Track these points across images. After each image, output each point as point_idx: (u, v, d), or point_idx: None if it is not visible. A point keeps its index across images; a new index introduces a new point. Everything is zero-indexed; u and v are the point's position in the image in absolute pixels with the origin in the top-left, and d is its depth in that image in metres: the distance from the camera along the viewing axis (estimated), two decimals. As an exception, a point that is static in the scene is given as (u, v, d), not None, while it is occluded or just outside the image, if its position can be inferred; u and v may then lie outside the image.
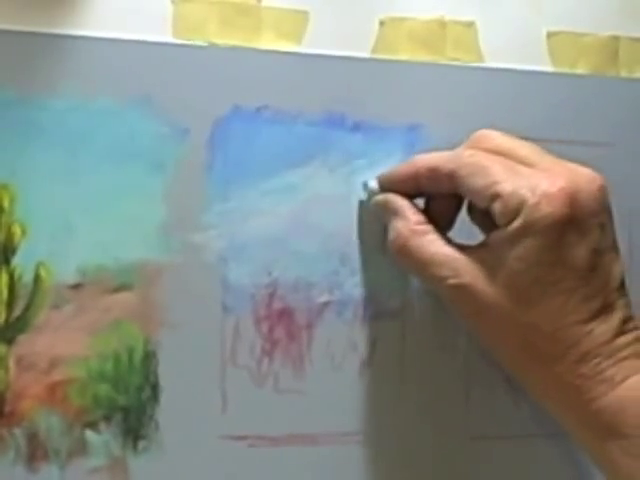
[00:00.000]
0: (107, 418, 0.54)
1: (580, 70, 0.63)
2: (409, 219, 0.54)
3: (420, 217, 0.54)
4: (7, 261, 0.52)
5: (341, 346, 0.58)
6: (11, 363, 0.52)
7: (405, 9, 0.59)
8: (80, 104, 0.53)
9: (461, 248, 0.53)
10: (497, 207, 0.51)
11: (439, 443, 0.59)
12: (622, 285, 0.53)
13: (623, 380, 0.51)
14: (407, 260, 0.54)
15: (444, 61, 0.60)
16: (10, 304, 0.52)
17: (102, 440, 0.53)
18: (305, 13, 0.57)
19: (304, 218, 0.57)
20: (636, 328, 0.52)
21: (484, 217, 0.54)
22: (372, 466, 0.58)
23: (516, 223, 0.51)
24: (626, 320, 0.52)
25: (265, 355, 0.56)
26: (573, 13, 0.63)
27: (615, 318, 0.52)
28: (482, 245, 0.53)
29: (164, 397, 0.54)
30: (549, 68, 0.62)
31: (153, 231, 0.54)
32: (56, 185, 0.53)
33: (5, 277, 0.52)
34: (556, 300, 0.51)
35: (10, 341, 0.52)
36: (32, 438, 0.52)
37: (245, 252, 0.56)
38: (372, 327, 0.58)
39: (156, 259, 0.54)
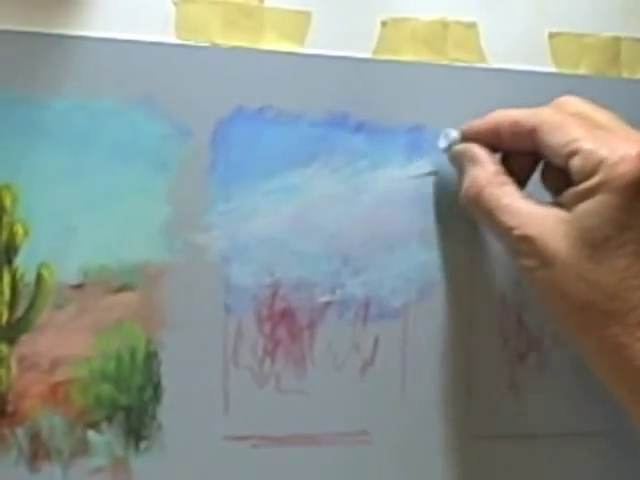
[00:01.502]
0: (109, 418, 0.54)
1: (582, 71, 0.63)
2: (488, 168, 0.55)
3: (499, 167, 0.55)
4: (9, 261, 0.52)
5: (343, 346, 0.58)
6: (13, 363, 0.52)
7: (407, 10, 0.59)
8: (82, 104, 0.53)
9: (536, 203, 0.54)
10: (575, 163, 0.52)
11: (441, 442, 0.59)
12: None
13: None
14: (480, 207, 0.55)
15: (446, 62, 0.60)
16: (12, 304, 0.52)
17: (104, 440, 0.54)
18: (307, 14, 0.57)
19: (306, 218, 0.57)
20: None
21: (558, 179, 0.54)
22: (375, 466, 0.58)
23: (594, 179, 0.51)
24: None
25: (267, 355, 0.56)
26: (575, 14, 0.63)
27: None
28: (557, 202, 0.54)
29: (166, 397, 0.54)
30: (551, 69, 0.62)
31: (155, 231, 0.54)
32: (58, 185, 0.53)
33: (7, 277, 0.52)
34: (622, 261, 0.51)
35: (12, 341, 0.52)
36: (34, 438, 0.52)
37: (247, 252, 0.56)
38: (374, 327, 0.58)
39: (158, 259, 0.54)
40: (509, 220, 0.53)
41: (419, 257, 0.59)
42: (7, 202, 0.52)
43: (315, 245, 0.57)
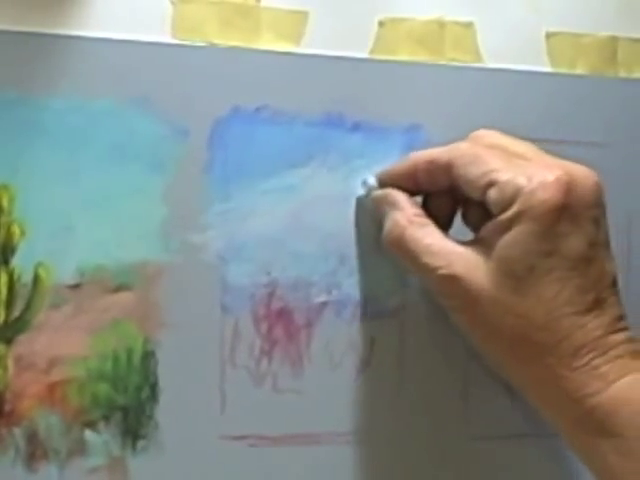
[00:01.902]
0: (106, 418, 0.54)
1: (579, 70, 0.63)
2: (407, 210, 0.55)
3: (418, 210, 0.55)
4: (6, 261, 0.52)
5: (340, 346, 0.58)
6: (10, 363, 0.52)
7: (404, 9, 0.59)
8: (80, 104, 0.53)
9: (457, 242, 0.54)
10: (492, 195, 0.52)
11: (438, 443, 0.59)
12: (614, 283, 0.53)
13: (617, 379, 0.51)
14: (402, 250, 0.54)
15: (443, 61, 0.60)
16: (9, 304, 0.52)
17: (101, 440, 0.54)
18: (304, 13, 0.57)
19: (303, 218, 0.57)
20: (627, 328, 0.52)
21: (478, 214, 0.54)
22: (371, 466, 0.58)
23: (512, 210, 0.51)
24: (618, 318, 0.52)
25: (264, 355, 0.56)
26: (572, 13, 0.63)
27: (608, 314, 0.51)
28: (477, 238, 0.54)
29: (163, 397, 0.54)
30: (548, 68, 0.62)
31: (152, 231, 0.54)
32: (55, 185, 0.53)
33: (4, 277, 0.52)
34: (550, 289, 0.51)
35: (9, 341, 0.52)
36: (31, 438, 0.52)
37: (244, 252, 0.56)
38: (371, 327, 0.58)
39: (155, 259, 0.54)
40: (430, 261, 0.53)
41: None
42: (4, 202, 0.52)
43: (312, 245, 0.57)
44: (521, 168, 0.52)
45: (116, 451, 0.54)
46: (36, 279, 0.52)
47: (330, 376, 0.57)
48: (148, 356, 0.54)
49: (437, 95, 0.60)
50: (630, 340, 0.52)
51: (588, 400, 0.51)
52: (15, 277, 0.52)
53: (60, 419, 0.53)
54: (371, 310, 0.58)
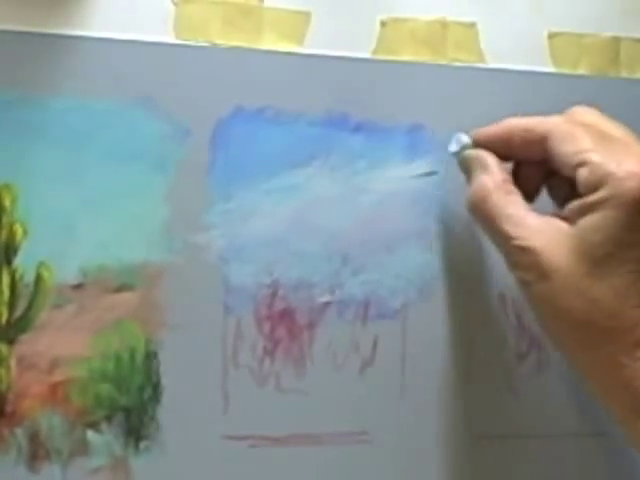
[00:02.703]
0: (109, 418, 0.54)
1: (581, 71, 0.63)
2: (496, 176, 0.55)
3: (507, 176, 0.55)
4: (9, 261, 0.52)
5: (342, 346, 0.58)
6: (13, 363, 0.52)
7: (406, 10, 0.59)
8: (82, 104, 0.53)
9: (541, 215, 0.53)
10: (583, 174, 0.52)
11: (441, 442, 0.59)
12: None
13: None
14: (483, 213, 0.54)
15: (445, 62, 0.60)
16: (12, 304, 0.52)
17: (104, 440, 0.53)
18: (307, 14, 0.57)
19: (306, 218, 0.57)
20: None
21: (565, 190, 0.54)
22: (374, 466, 0.58)
23: (599, 193, 0.51)
24: None
25: (266, 355, 0.56)
26: (574, 14, 0.63)
27: None
28: (560, 214, 0.53)
29: (166, 397, 0.54)
30: (550, 69, 0.62)
31: (155, 231, 0.54)
32: (58, 185, 0.53)
33: (7, 277, 0.52)
34: (624, 279, 0.51)
35: (12, 341, 0.52)
36: (34, 438, 0.52)
37: (246, 252, 0.56)
38: (373, 327, 0.58)
39: (158, 259, 0.54)
40: (511, 230, 0.53)
41: (418, 257, 0.59)
42: (6, 202, 0.52)
43: (314, 245, 0.57)
44: (614, 153, 0.52)
45: (118, 451, 0.54)
46: (38, 279, 0.52)
47: (333, 376, 0.57)
48: (150, 356, 0.54)
49: (440, 95, 0.60)
50: None
51: None
52: (17, 277, 0.52)
53: (62, 419, 0.53)
54: (374, 310, 0.58)
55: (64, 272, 0.53)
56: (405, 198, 0.59)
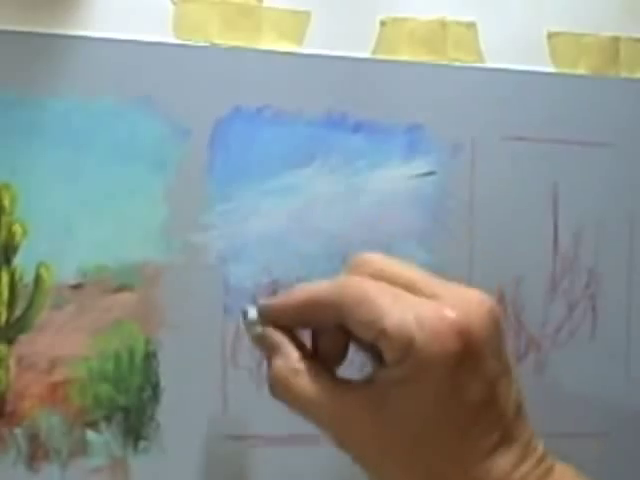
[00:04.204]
0: (108, 418, 0.54)
1: (581, 70, 0.63)
2: (289, 356, 0.49)
3: (300, 353, 0.49)
4: (8, 261, 0.52)
5: (342, 346, 0.58)
6: (12, 363, 0.52)
7: (406, 10, 0.59)
8: (81, 104, 0.53)
9: (347, 385, 0.48)
10: (384, 345, 0.46)
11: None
12: (520, 408, 0.48)
13: None
14: (288, 402, 0.49)
15: (445, 61, 0.60)
16: (11, 304, 0.52)
17: (103, 440, 0.53)
18: (306, 14, 0.57)
19: (305, 218, 0.57)
20: (537, 448, 0.48)
21: (372, 348, 0.48)
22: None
23: (405, 365, 0.46)
24: (528, 443, 0.48)
25: (266, 355, 0.56)
26: (574, 14, 0.63)
27: (518, 445, 0.48)
28: (369, 382, 0.48)
29: (165, 397, 0.54)
30: (550, 68, 0.62)
31: (154, 231, 0.54)
32: (57, 185, 0.53)
33: (6, 277, 0.52)
34: (454, 440, 0.47)
35: (11, 341, 0.52)
36: (33, 438, 0.52)
37: (246, 252, 0.56)
38: (373, 327, 0.58)
39: (157, 259, 0.54)
40: (320, 413, 0.48)
41: (418, 257, 0.59)
42: (6, 202, 0.52)
43: (314, 245, 0.57)
44: (411, 307, 0.46)
45: (117, 451, 0.54)
46: (38, 279, 0.52)
47: (332, 376, 0.57)
48: (150, 356, 0.54)
49: (439, 95, 0.60)
50: (541, 460, 0.48)
51: None
52: (17, 277, 0.52)
53: (62, 419, 0.53)
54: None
55: (63, 272, 0.53)
56: (404, 198, 0.59)
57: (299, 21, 0.57)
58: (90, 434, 0.53)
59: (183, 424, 0.54)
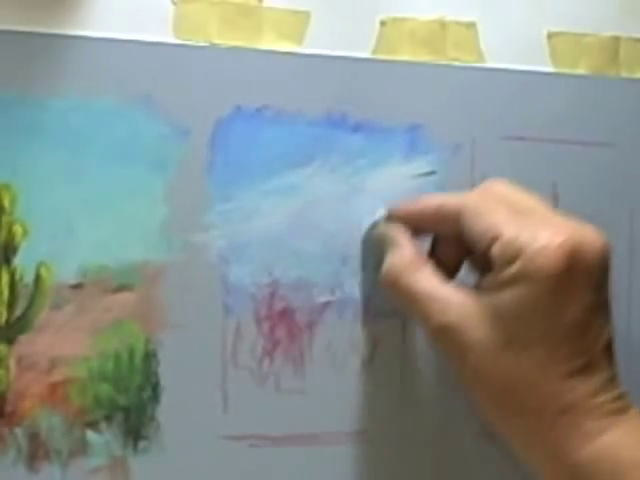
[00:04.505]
0: (108, 418, 0.54)
1: (581, 70, 0.63)
2: (405, 252, 0.54)
3: (417, 251, 0.54)
4: (8, 261, 0.52)
5: (342, 346, 0.58)
6: (12, 363, 0.52)
7: (406, 9, 0.59)
8: (81, 104, 0.53)
9: (455, 288, 0.53)
10: (495, 250, 0.51)
11: (440, 442, 0.59)
12: (609, 346, 0.52)
13: (600, 435, 0.50)
14: (397, 293, 0.54)
15: (445, 61, 0.60)
16: (11, 304, 0.52)
17: (103, 440, 0.53)
18: (306, 13, 0.57)
19: (305, 218, 0.57)
20: (617, 387, 0.52)
21: (483, 262, 0.53)
22: (373, 465, 0.58)
23: (512, 269, 0.50)
24: (609, 380, 0.51)
25: (266, 355, 0.56)
26: (574, 13, 0.63)
27: (598, 377, 0.51)
28: (477, 287, 0.53)
29: (165, 397, 0.54)
30: (550, 68, 0.62)
31: (154, 231, 0.54)
32: (57, 185, 0.53)
33: (6, 277, 0.52)
34: (541, 351, 0.50)
35: (11, 341, 0.52)
36: (33, 438, 0.52)
37: (246, 252, 0.56)
38: (373, 327, 0.58)
39: (157, 259, 0.54)
40: (426, 307, 0.52)
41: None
42: (6, 202, 0.52)
43: (314, 245, 0.57)
44: (527, 226, 0.51)
45: (118, 451, 0.54)
46: (38, 279, 0.52)
47: (332, 376, 0.57)
48: (150, 356, 0.54)
49: (439, 95, 0.60)
50: (618, 398, 0.51)
51: (570, 456, 0.50)
52: (17, 277, 0.52)
53: (62, 419, 0.53)
54: (373, 310, 0.58)
55: (63, 272, 0.53)
56: (404, 198, 0.59)
57: (299, 21, 0.57)
58: (90, 434, 0.53)
59: (183, 424, 0.54)
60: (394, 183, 0.58)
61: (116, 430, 0.54)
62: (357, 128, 0.58)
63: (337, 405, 0.57)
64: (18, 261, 0.52)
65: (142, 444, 0.54)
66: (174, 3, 0.55)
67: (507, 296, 0.50)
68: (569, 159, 0.60)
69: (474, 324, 0.51)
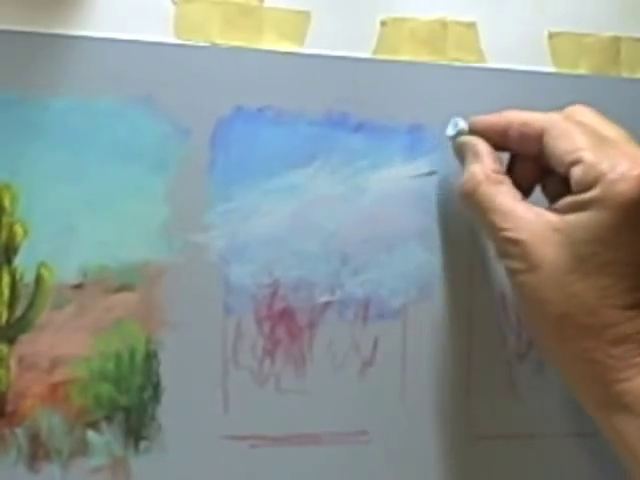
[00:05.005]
0: (109, 418, 0.54)
1: (582, 70, 0.63)
2: (486, 165, 0.55)
3: (498, 166, 0.55)
4: (9, 261, 0.52)
5: (342, 346, 0.58)
6: (13, 363, 0.52)
7: (407, 9, 0.59)
8: (82, 104, 0.53)
9: (530, 206, 0.54)
10: (576, 173, 0.52)
11: (440, 442, 0.59)
12: None
13: None
14: (474, 203, 0.55)
15: (445, 61, 0.60)
16: (12, 304, 0.52)
17: (104, 440, 0.53)
18: (307, 14, 0.57)
19: (306, 218, 0.57)
20: None
21: (558, 187, 0.54)
22: (373, 466, 0.58)
23: (590, 193, 0.51)
24: None
25: (267, 355, 0.56)
26: (575, 13, 0.63)
27: None
28: (552, 208, 0.54)
29: (166, 397, 0.54)
30: (551, 68, 0.62)
31: (155, 231, 0.54)
32: (58, 185, 0.53)
33: (7, 277, 0.52)
34: (606, 279, 0.51)
35: (12, 341, 0.52)
36: (34, 438, 0.52)
37: (247, 252, 0.56)
38: (373, 327, 0.58)
39: (158, 259, 0.54)
40: (500, 221, 0.53)
41: (419, 257, 0.59)
42: (6, 202, 0.52)
43: (314, 245, 0.57)
44: (608, 154, 0.52)
45: (118, 451, 0.54)
46: (38, 279, 0.52)
47: (333, 376, 0.57)
48: (151, 356, 0.54)
49: (440, 95, 0.60)
50: None
51: (619, 385, 0.51)
52: (18, 277, 0.52)
53: (62, 419, 0.53)
54: (374, 310, 0.58)
55: (64, 272, 0.53)
56: (405, 198, 0.59)
57: (300, 21, 0.57)
58: (91, 434, 0.53)
59: (184, 424, 0.54)
60: (395, 183, 0.58)
61: (117, 430, 0.54)
62: (358, 128, 0.58)
63: (337, 405, 0.57)
64: (19, 261, 0.52)
65: (143, 444, 0.54)
66: (175, 3, 0.55)
67: (582, 219, 0.51)
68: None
69: (545, 243, 0.52)
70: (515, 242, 0.52)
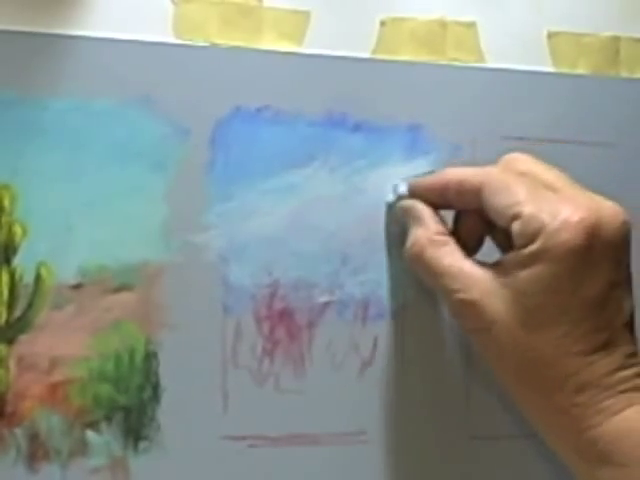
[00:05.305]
0: (108, 418, 0.54)
1: (581, 70, 0.63)
2: (429, 228, 0.55)
3: (440, 227, 0.55)
4: (8, 261, 0.52)
5: (342, 346, 0.58)
6: (12, 363, 0.52)
7: (406, 9, 0.59)
8: (81, 104, 0.53)
9: (477, 264, 0.53)
10: (516, 227, 0.51)
11: (440, 443, 0.59)
12: (630, 321, 0.52)
13: (620, 411, 0.50)
14: (421, 268, 0.54)
15: (445, 61, 0.60)
16: (11, 304, 0.52)
17: (103, 440, 0.53)
18: (306, 13, 0.57)
19: (305, 218, 0.57)
20: (638, 363, 0.52)
21: (505, 237, 0.54)
22: (373, 466, 0.58)
23: (533, 246, 0.50)
24: (629, 356, 0.52)
25: (266, 355, 0.56)
26: (574, 13, 0.63)
27: (618, 353, 0.51)
28: (498, 263, 0.53)
29: (165, 397, 0.54)
30: (550, 68, 0.62)
31: (154, 231, 0.54)
32: (57, 185, 0.53)
33: (6, 277, 0.52)
34: (562, 328, 0.51)
35: (11, 341, 0.52)
36: (33, 438, 0.52)
37: (246, 252, 0.56)
38: (373, 327, 0.58)
39: (157, 259, 0.54)
40: (450, 283, 0.53)
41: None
42: (6, 202, 0.52)
43: (314, 245, 0.57)
44: (547, 202, 0.51)
45: (118, 451, 0.54)
46: (38, 279, 0.52)
47: (332, 376, 0.57)
48: (150, 356, 0.54)
49: (439, 95, 0.60)
50: (638, 375, 0.51)
51: (589, 432, 0.51)
52: (17, 277, 0.52)
53: (62, 419, 0.53)
54: (373, 310, 0.58)
55: (63, 272, 0.53)
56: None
57: (299, 21, 0.57)
58: (90, 434, 0.53)
59: (183, 424, 0.54)
60: (394, 183, 0.58)
61: (116, 430, 0.54)
62: (357, 128, 0.58)
63: (336, 405, 0.57)
64: (18, 261, 0.52)
65: (142, 444, 0.54)
66: (174, 3, 0.55)
67: (528, 274, 0.51)
68: (569, 159, 0.60)
69: (496, 301, 0.51)
70: (465, 303, 0.52)
